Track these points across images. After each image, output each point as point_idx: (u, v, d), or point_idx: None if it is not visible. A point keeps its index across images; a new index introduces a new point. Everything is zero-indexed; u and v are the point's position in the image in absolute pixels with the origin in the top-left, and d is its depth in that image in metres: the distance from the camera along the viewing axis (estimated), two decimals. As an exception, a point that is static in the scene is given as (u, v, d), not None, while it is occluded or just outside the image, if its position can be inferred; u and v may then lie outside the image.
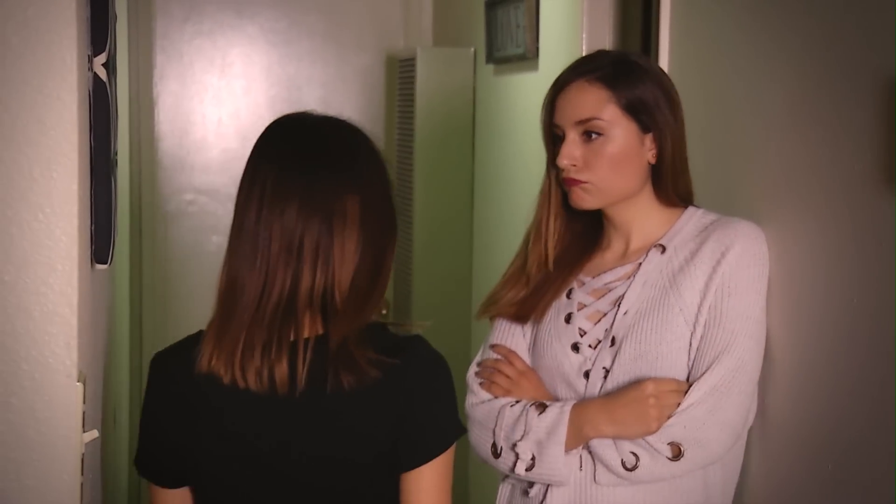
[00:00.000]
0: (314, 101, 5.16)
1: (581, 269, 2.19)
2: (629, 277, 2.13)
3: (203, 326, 1.99)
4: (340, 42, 5.35)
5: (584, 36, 3.36)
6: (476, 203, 4.74)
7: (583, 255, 2.20)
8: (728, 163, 2.28)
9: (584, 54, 2.85)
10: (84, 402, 2.07)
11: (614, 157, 2.08)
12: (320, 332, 1.82)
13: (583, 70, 2.11)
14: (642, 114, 2.07)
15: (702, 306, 2.05)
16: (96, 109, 2.18)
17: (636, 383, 2.04)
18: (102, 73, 2.20)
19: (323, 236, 1.78)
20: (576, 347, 2.13)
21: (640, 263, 2.13)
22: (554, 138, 2.13)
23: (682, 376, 2.05)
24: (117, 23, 2.51)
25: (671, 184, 2.12)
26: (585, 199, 2.12)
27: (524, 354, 2.21)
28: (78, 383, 2.04)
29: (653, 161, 2.10)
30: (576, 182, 2.10)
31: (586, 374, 2.11)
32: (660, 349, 2.05)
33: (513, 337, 2.22)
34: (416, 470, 1.83)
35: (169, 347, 1.96)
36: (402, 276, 4.93)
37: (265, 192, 1.82)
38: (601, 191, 2.10)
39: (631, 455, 2.02)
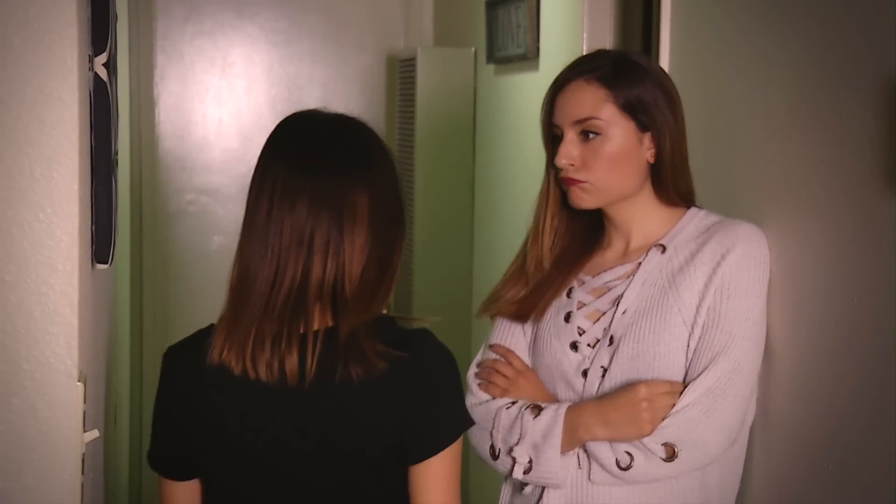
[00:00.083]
0: (315, 101, 5.16)
1: (581, 268, 2.19)
2: (629, 277, 2.13)
3: (204, 325, 2.00)
4: (341, 42, 5.35)
5: (584, 36, 3.36)
6: (476, 203, 4.74)
7: (583, 254, 2.20)
8: (728, 162, 2.28)
9: (585, 54, 2.85)
10: (84, 402, 2.08)
11: (612, 157, 2.08)
12: (329, 324, 1.85)
13: (581, 69, 2.11)
14: (640, 113, 2.07)
15: (700, 307, 2.04)
16: (97, 109, 2.18)
17: (629, 386, 2.04)
18: (103, 73, 2.20)
19: (333, 231, 1.81)
20: (574, 346, 2.13)
21: (640, 263, 2.13)
22: (553, 138, 2.13)
23: (680, 377, 2.05)
24: (118, 23, 2.52)
25: (671, 183, 2.12)
26: (584, 199, 2.12)
27: (524, 353, 2.21)
28: (78, 383, 2.05)
29: (652, 160, 2.10)
30: (574, 181, 2.10)
31: (584, 373, 2.12)
32: (657, 349, 2.05)
33: (513, 336, 2.23)
34: (425, 462, 1.85)
35: (181, 341, 1.98)
36: (403, 275, 4.93)
37: (275, 189, 1.84)
38: (599, 190, 2.10)
39: (626, 454, 2.02)
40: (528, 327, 2.21)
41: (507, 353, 2.21)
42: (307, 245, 1.81)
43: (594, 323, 2.13)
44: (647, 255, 2.12)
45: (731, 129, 2.28)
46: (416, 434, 1.84)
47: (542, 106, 2.15)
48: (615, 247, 2.18)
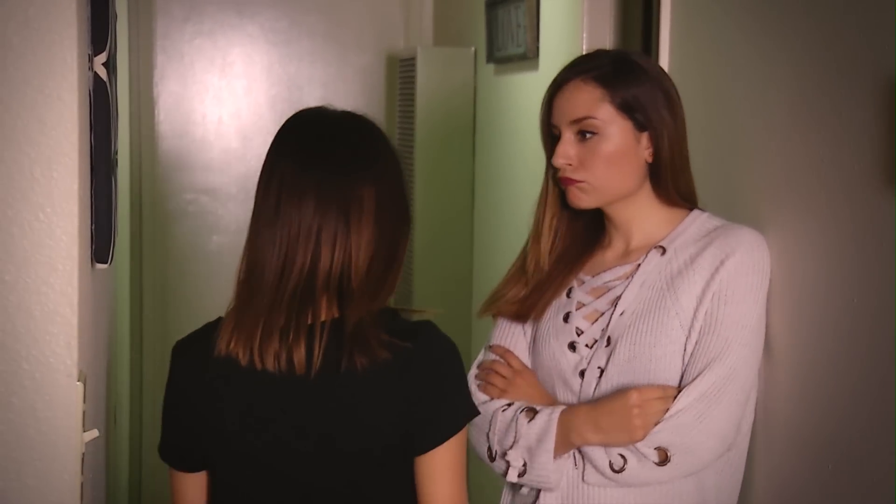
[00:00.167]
0: (315, 100, 5.15)
1: (581, 268, 2.19)
2: (628, 278, 2.12)
3: (204, 324, 2.00)
4: (341, 42, 5.35)
5: (584, 36, 3.36)
6: (476, 202, 4.74)
7: (583, 253, 2.20)
8: (728, 162, 2.28)
9: (584, 53, 2.85)
10: (84, 402, 2.08)
11: (609, 156, 2.07)
12: (336, 315, 1.87)
13: (579, 69, 2.11)
14: (637, 112, 2.07)
15: (698, 312, 2.04)
16: (97, 109, 2.18)
17: (621, 392, 2.04)
18: (103, 73, 2.20)
19: (340, 226, 1.84)
20: (572, 346, 2.13)
21: (640, 264, 2.12)
22: (552, 138, 2.13)
23: (676, 380, 2.05)
24: (117, 22, 2.51)
25: (671, 183, 2.11)
26: (582, 199, 2.11)
27: (524, 353, 2.21)
28: (78, 383, 2.05)
29: (650, 160, 2.10)
30: (571, 181, 2.10)
31: (582, 374, 2.12)
32: (653, 351, 2.05)
33: (513, 336, 2.23)
34: (430, 453, 1.87)
35: (189, 334, 1.99)
36: (403, 276, 4.92)
37: (283, 186, 1.86)
38: (597, 190, 2.10)
39: (619, 457, 2.02)
40: (529, 327, 2.21)
41: (505, 354, 2.21)
42: (315, 238, 1.83)
43: (592, 323, 2.13)
44: (646, 256, 2.12)
45: (731, 128, 2.28)
46: (420, 423, 1.86)
47: (541, 106, 2.15)
48: (615, 247, 2.18)
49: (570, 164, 2.09)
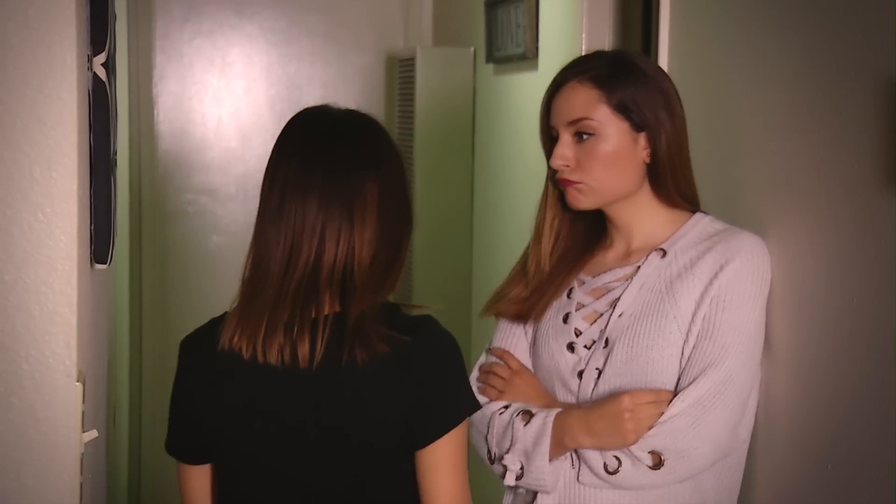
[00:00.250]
0: (314, 100, 5.08)
1: (582, 268, 2.19)
2: (627, 279, 2.12)
3: (203, 324, 2.00)
4: (340, 42, 5.35)
5: (583, 36, 3.36)
6: (476, 202, 4.73)
7: (585, 253, 2.19)
8: (728, 162, 2.28)
9: (583, 54, 2.85)
10: (84, 402, 2.08)
11: (607, 157, 2.07)
12: (338, 309, 1.88)
13: (576, 71, 2.11)
14: (633, 113, 2.07)
15: (696, 316, 2.03)
16: (96, 109, 2.18)
17: (613, 396, 2.04)
18: (102, 73, 2.20)
19: (344, 222, 1.85)
20: (571, 347, 2.13)
21: (640, 266, 2.12)
22: (551, 139, 2.13)
23: (672, 383, 2.04)
24: (117, 23, 2.51)
25: (671, 183, 2.11)
26: (580, 200, 2.11)
27: (525, 354, 2.21)
28: (77, 383, 2.05)
29: (648, 160, 2.10)
30: (569, 182, 2.10)
31: (580, 374, 2.12)
32: (650, 354, 2.05)
33: (514, 337, 2.23)
34: (431, 447, 1.87)
35: (195, 330, 2.01)
36: (403, 275, 4.92)
37: (287, 183, 1.88)
38: (594, 191, 2.10)
39: (614, 459, 2.02)
40: (530, 328, 2.22)
41: (503, 355, 2.21)
42: (319, 234, 1.85)
43: (591, 324, 2.13)
44: (646, 258, 2.12)
45: (731, 129, 2.28)
46: (420, 417, 1.86)
47: (541, 107, 2.15)
48: (616, 248, 2.17)
49: (567, 166, 2.09)
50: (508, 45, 4.08)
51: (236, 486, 1.96)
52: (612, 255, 2.18)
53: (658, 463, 2.00)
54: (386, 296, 1.92)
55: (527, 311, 2.20)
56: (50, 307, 2.02)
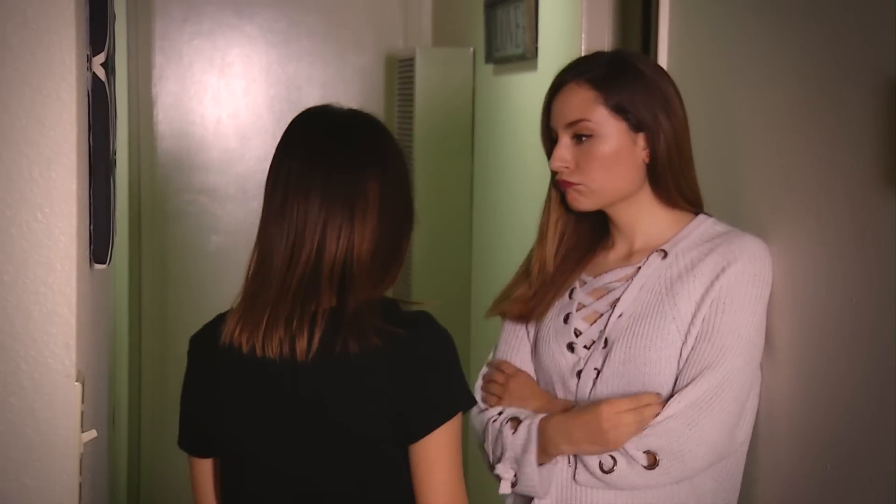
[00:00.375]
0: (314, 101, 5.10)
1: (584, 267, 2.19)
2: (628, 280, 2.12)
3: (202, 325, 2.00)
4: (340, 42, 5.35)
5: (583, 36, 3.36)
6: (475, 203, 4.73)
7: (588, 253, 2.20)
8: (728, 163, 2.28)
9: (582, 54, 2.85)
10: (83, 402, 2.08)
11: (605, 158, 2.07)
12: (335, 304, 1.91)
13: (574, 72, 2.11)
14: (631, 113, 2.06)
15: (695, 318, 2.03)
16: (95, 109, 2.18)
17: (594, 404, 2.04)
18: (101, 73, 2.19)
19: (345, 219, 1.88)
20: (571, 347, 2.14)
21: (640, 267, 2.12)
22: (552, 141, 2.14)
23: (670, 384, 2.04)
24: (116, 23, 2.51)
25: (672, 184, 2.10)
26: (580, 201, 2.11)
27: (528, 356, 2.22)
28: (77, 383, 2.05)
29: (647, 160, 2.09)
30: (569, 184, 2.10)
31: (578, 374, 2.12)
32: (648, 355, 2.05)
33: (516, 339, 2.24)
34: (423, 441, 1.89)
35: (202, 327, 2.04)
36: (402, 275, 4.91)
37: (290, 182, 1.91)
38: (594, 192, 2.10)
39: (609, 458, 2.02)
40: (532, 328, 2.22)
41: (500, 363, 2.23)
42: (321, 230, 1.88)
43: (591, 325, 2.13)
44: (647, 259, 2.12)
45: (731, 129, 2.28)
46: (414, 409, 1.88)
47: (542, 109, 2.15)
48: (618, 248, 2.17)
49: (566, 168, 2.09)
50: (508, 46, 4.08)
51: (236, 479, 1.99)
52: (613, 255, 2.18)
53: (653, 463, 2.00)
54: (384, 290, 1.94)
55: (529, 311, 2.20)
56: (49, 307, 2.02)
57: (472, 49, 4.68)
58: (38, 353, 2.03)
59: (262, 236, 1.93)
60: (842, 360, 1.88)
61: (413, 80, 4.72)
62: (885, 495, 1.73)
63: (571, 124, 2.08)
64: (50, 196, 2.01)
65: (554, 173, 2.13)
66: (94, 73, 2.17)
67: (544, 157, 2.17)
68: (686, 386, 2.01)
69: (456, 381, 1.93)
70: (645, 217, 2.14)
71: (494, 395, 2.19)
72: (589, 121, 2.07)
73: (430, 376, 1.89)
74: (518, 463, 2.09)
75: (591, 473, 2.04)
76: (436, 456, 1.89)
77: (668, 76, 2.15)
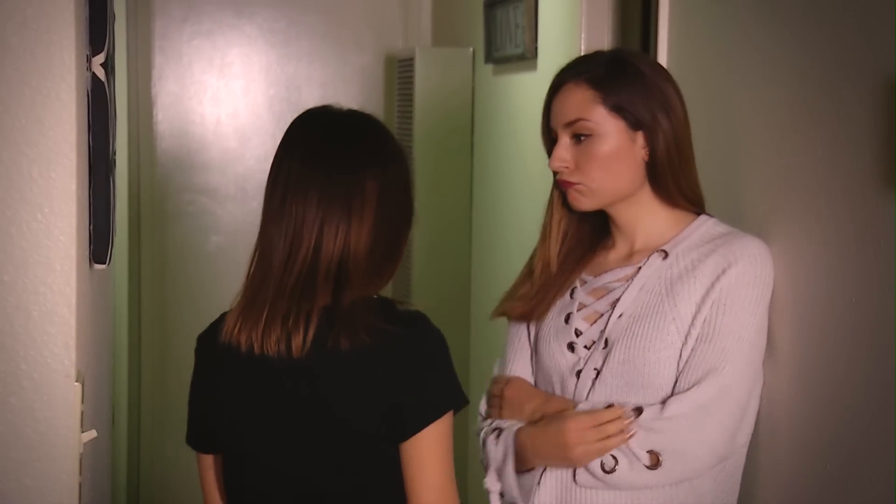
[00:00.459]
0: (313, 101, 5.15)
1: (585, 266, 2.19)
2: (628, 280, 2.12)
3: (202, 325, 2.01)
4: (339, 42, 5.35)
5: (582, 36, 3.36)
6: (475, 203, 4.73)
7: (588, 251, 2.20)
8: (727, 163, 2.28)
9: (582, 54, 2.85)
10: (83, 402, 2.08)
11: (604, 158, 2.07)
12: (331, 301, 1.92)
13: (573, 72, 2.11)
14: (629, 112, 2.06)
15: (696, 319, 2.03)
16: (95, 109, 2.18)
17: (561, 418, 2.07)
18: (101, 73, 2.19)
19: (342, 217, 1.90)
20: (571, 347, 2.14)
21: (640, 267, 2.12)
22: (552, 141, 2.14)
23: (669, 385, 2.04)
24: (116, 23, 2.51)
25: (672, 183, 2.10)
26: (581, 201, 2.11)
27: (529, 358, 2.24)
28: (76, 383, 2.05)
29: (646, 159, 2.09)
30: (569, 184, 2.11)
31: (578, 374, 2.12)
32: (648, 356, 2.05)
33: (519, 342, 2.26)
34: (414, 438, 1.90)
35: (209, 325, 2.06)
36: (402, 276, 4.93)
37: (289, 181, 1.93)
38: (594, 192, 2.10)
39: (610, 458, 2.02)
40: (534, 327, 2.23)
41: (495, 378, 2.25)
42: (318, 228, 1.90)
43: (591, 325, 2.13)
44: (647, 259, 2.12)
45: (730, 129, 2.28)
46: (404, 406, 1.89)
47: (542, 110, 2.15)
48: (619, 248, 2.17)
49: (566, 167, 2.10)
50: (507, 46, 4.08)
51: (237, 477, 2.01)
52: (614, 255, 2.18)
53: (656, 463, 2.00)
54: (380, 288, 1.96)
55: (530, 309, 2.21)
56: (49, 307, 2.03)
57: (471, 49, 4.68)
58: (38, 353, 2.03)
59: (263, 235, 1.94)
60: (842, 360, 1.88)
61: (413, 80, 4.72)
62: (885, 495, 1.73)
63: (570, 124, 2.08)
64: (50, 196, 2.01)
65: (555, 173, 2.13)
66: (93, 73, 2.17)
67: (544, 157, 2.17)
68: (691, 388, 2.00)
69: (448, 380, 1.94)
70: (646, 217, 2.13)
71: (496, 407, 2.21)
72: (587, 120, 2.07)
73: (421, 374, 1.90)
74: (500, 473, 2.12)
75: (592, 473, 2.04)
76: (427, 454, 1.90)
77: (669, 75, 2.15)
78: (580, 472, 2.05)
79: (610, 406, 2.04)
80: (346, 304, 1.90)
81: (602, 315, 2.13)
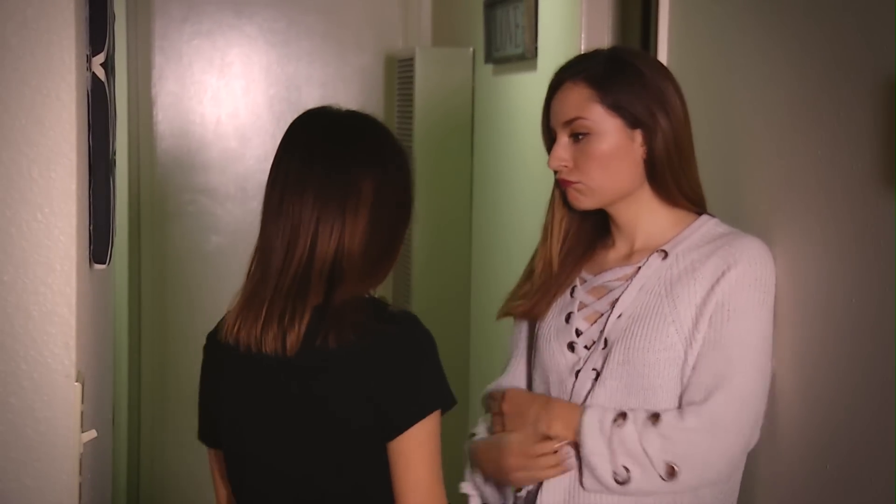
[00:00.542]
0: (313, 101, 5.15)
1: (585, 264, 2.19)
2: (628, 280, 2.12)
3: (201, 325, 2.02)
4: (339, 42, 5.35)
5: (582, 36, 3.36)
6: (475, 203, 4.73)
7: (589, 250, 2.20)
8: (727, 162, 2.28)
9: (579, 54, 2.84)
10: (83, 402, 2.08)
11: (603, 157, 2.07)
12: (325, 299, 1.94)
13: (571, 71, 2.11)
14: (627, 110, 2.06)
15: (698, 323, 2.02)
16: (95, 109, 2.18)
17: (505, 440, 2.13)
18: (101, 73, 2.19)
19: (337, 215, 1.91)
20: (571, 347, 2.13)
21: (640, 267, 2.11)
22: (552, 140, 2.14)
23: (668, 387, 2.03)
24: (116, 23, 2.51)
25: (672, 182, 2.09)
26: (580, 200, 2.11)
27: (526, 360, 2.26)
28: (76, 383, 2.05)
29: (644, 157, 2.09)
30: (569, 183, 2.10)
31: (576, 374, 2.11)
32: (647, 357, 2.04)
33: (520, 342, 2.28)
34: (400, 437, 1.90)
35: (217, 324, 2.08)
36: (402, 276, 4.93)
37: (287, 181, 1.94)
38: (593, 190, 2.09)
39: (623, 469, 2.01)
40: (536, 326, 2.23)
41: (490, 393, 2.26)
42: (314, 227, 1.91)
43: (592, 325, 2.13)
44: (647, 259, 2.11)
45: (730, 129, 2.27)
46: (391, 404, 1.90)
47: (542, 109, 2.15)
48: (619, 248, 2.17)
49: (565, 167, 2.09)
50: (507, 46, 4.08)
51: (236, 472, 2.03)
52: (613, 254, 2.17)
53: (672, 474, 1.99)
54: (373, 287, 1.98)
55: (531, 307, 2.21)
56: (49, 307, 2.02)
57: (471, 49, 4.68)
58: (38, 353, 2.03)
59: (262, 235, 1.96)
60: (842, 360, 1.88)
61: (413, 80, 4.72)
62: (885, 495, 1.73)
63: (569, 122, 2.08)
64: (50, 196, 2.01)
65: (556, 172, 2.13)
66: (93, 73, 2.17)
67: (544, 156, 2.17)
68: (707, 400, 1.99)
69: (435, 379, 1.94)
70: (645, 216, 2.13)
71: (497, 422, 2.21)
72: (585, 119, 2.06)
73: (408, 373, 1.91)
74: (471, 477, 2.20)
75: (603, 484, 2.02)
76: (414, 453, 1.91)
77: (668, 73, 2.14)
78: (588, 479, 2.04)
79: (547, 438, 2.08)
80: (338, 303, 1.91)
81: (602, 315, 2.12)
